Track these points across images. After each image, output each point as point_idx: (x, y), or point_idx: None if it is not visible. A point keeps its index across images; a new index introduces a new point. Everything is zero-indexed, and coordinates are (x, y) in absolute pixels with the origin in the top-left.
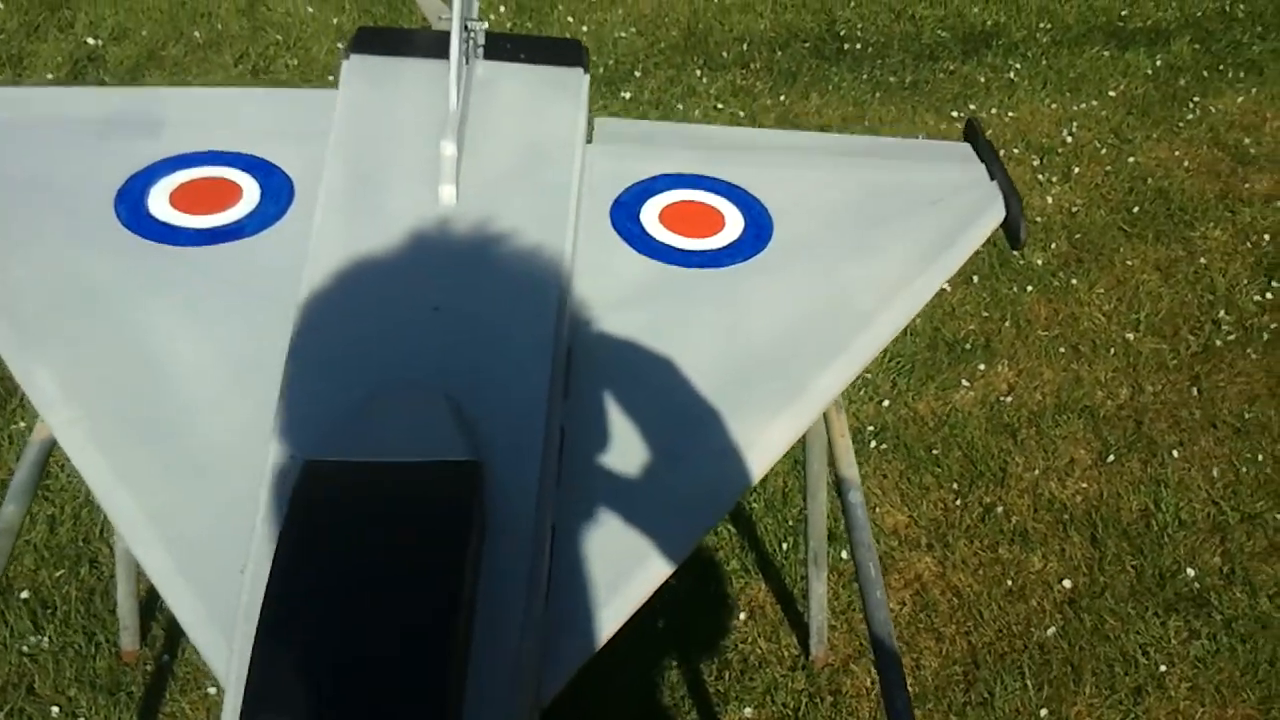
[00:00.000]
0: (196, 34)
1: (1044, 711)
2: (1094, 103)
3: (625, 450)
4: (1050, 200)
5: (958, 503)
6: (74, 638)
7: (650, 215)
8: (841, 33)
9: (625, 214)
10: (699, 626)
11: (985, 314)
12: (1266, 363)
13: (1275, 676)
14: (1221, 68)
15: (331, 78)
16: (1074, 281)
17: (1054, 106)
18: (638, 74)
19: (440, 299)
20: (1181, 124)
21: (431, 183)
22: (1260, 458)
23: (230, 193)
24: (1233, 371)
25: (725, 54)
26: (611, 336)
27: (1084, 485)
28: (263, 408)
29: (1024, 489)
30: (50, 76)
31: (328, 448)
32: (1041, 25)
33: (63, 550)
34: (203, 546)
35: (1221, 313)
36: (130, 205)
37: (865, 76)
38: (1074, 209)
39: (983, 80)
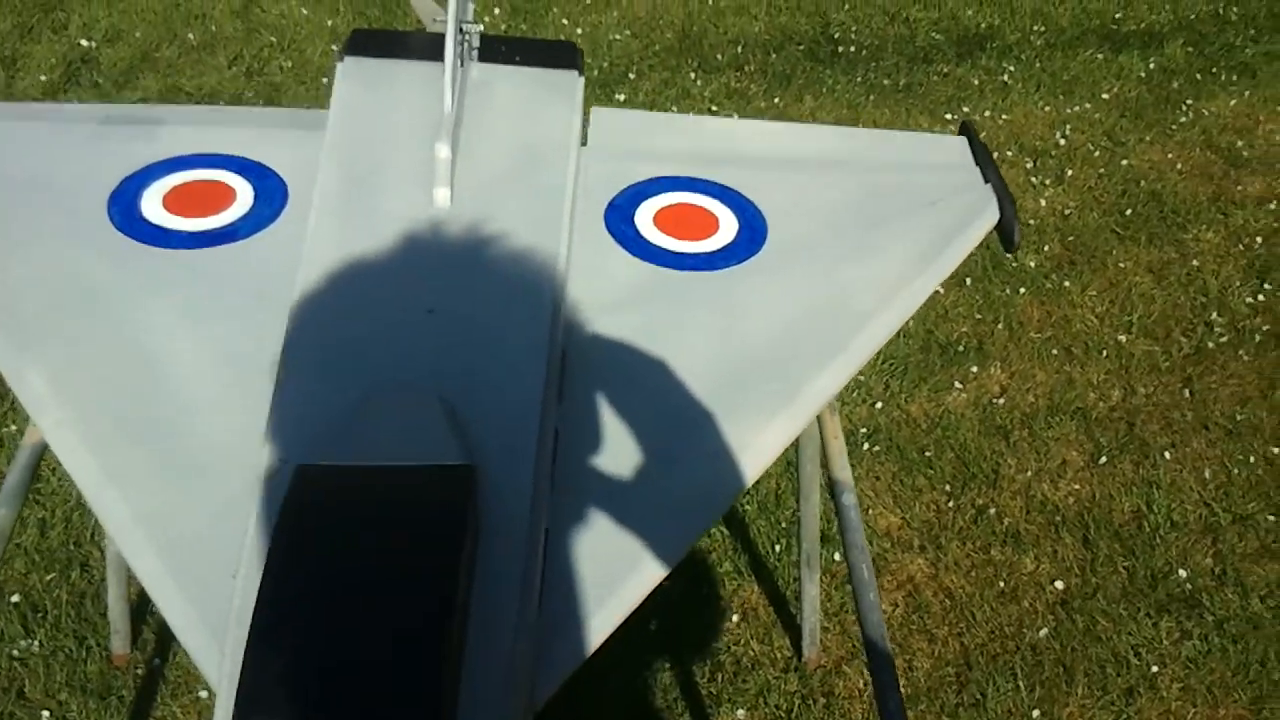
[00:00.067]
0: (190, 36)
1: (1036, 712)
2: (1087, 105)
3: (619, 453)
4: (1043, 202)
5: (950, 504)
6: (65, 642)
7: (644, 218)
8: (836, 35)
9: (620, 217)
10: (692, 628)
11: (978, 316)
12: (1258, 365)
13: (1266, 677)
14: (1214, 70)
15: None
16: (1067, 283)
17: (1047, 109)
18: (632, 76)
19: (434, 301)
20: (1174, 126)
21: (426, 185)
22: (1252, 459)
23: (224, 195)
24: (1225, 373)
25: (720, 56)
26: (606, 339)
27: (1076, 487)
28: (255, 411)
29: (1016, 490)
30: (43, 78)
31: (321, 451)
32: (1035, 28)
33: (53, 554)
34: (194, 550)
35: (1214, 315)
36: (123, 208)
37: (859, 79)
38: (1067, 211)
39: (976, 83)
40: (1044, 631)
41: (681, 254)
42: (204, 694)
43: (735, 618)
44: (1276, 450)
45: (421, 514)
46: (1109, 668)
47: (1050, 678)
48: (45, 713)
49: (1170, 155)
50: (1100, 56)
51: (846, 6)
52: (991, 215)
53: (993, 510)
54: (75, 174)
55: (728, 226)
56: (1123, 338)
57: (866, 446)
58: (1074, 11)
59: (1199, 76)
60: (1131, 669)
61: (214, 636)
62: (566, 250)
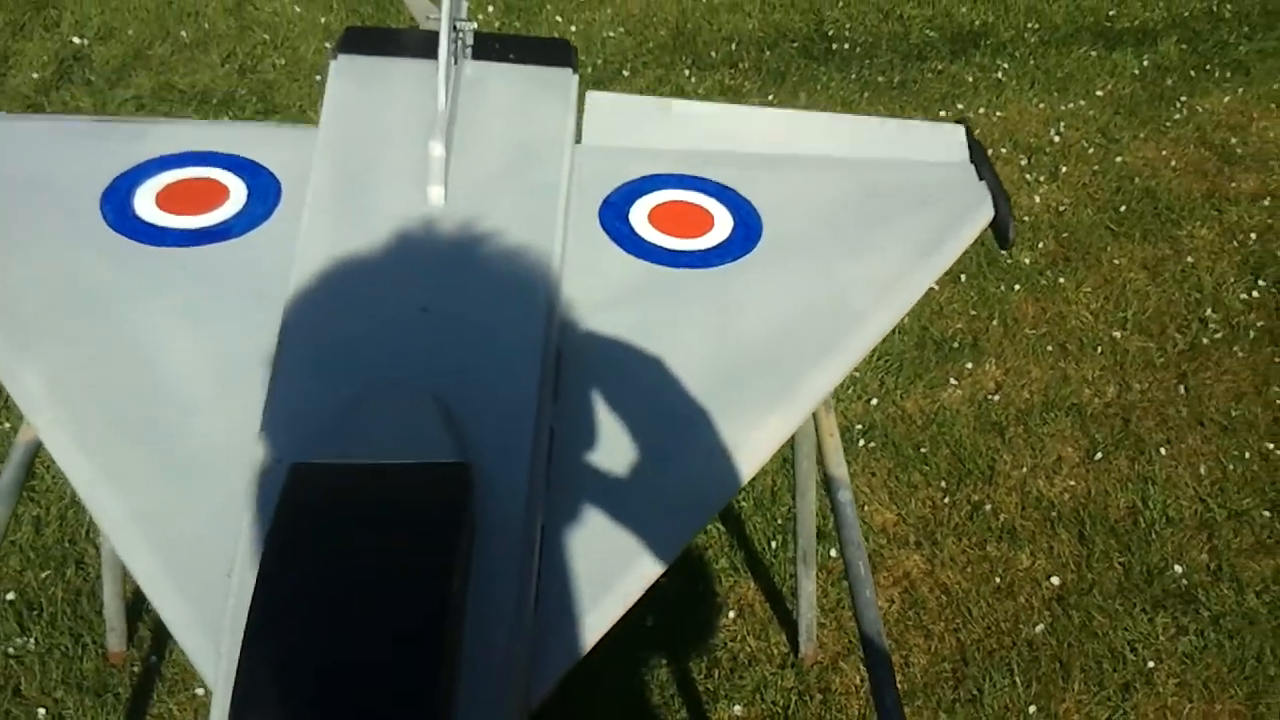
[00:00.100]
0: (183, 33)
1: (1032, 708)
2: (1081, 102)
3: (615, 451)
4: (1038, 199)
5: (946, 501)
6: (60, 639)
7: (639, 215)
8: (830, 32)
9: (614, 214)
10: (688, 625)
11: (973, 313)
12: (1253, 361)
13: (1262, 672)
14: (1208, 68)
15: (319, 77)
16: (1061, 280)
17: (1042, 106)
18: (626, 73)
19: (429, 300)
20: (1168, 123)
21: (420, 183)
22: (1247, 455)
23: (217, 193)
24: (1219, 370)
25: (714, 54)
26: (601, 337)
27: (1072, 483)
28: (250, 409)
29: (1012, 487)
30: (35, 76)
31: (315, 450)
32: (1029, 25)
33: (49, 551)
34: (189, 549)
35: (1208, 311)
36: (116, 206)
37: (853, 76)
38: (1061, 208)
39: (971, 80)
40: (1040, 627)
41: (676, 251)
42: (200, 691)
43: (732, 614)
44: (1271, 446)
45: (417, 512)
46: (1105, 663)
47: (1046, 673)
48: (41, 710)
49: (1164, 152)
50: (1094, 53)
51: (840, 3)
52: (986, 212)
53: (988, 506)
54: (67, 172)
55: (723, 224)
56: (1117, 334)
57: (862, 443)
58: (1068, 8)
59: (1193, 73)
60: (1128, 665)
61: (210, 635)
62: (561, 248)
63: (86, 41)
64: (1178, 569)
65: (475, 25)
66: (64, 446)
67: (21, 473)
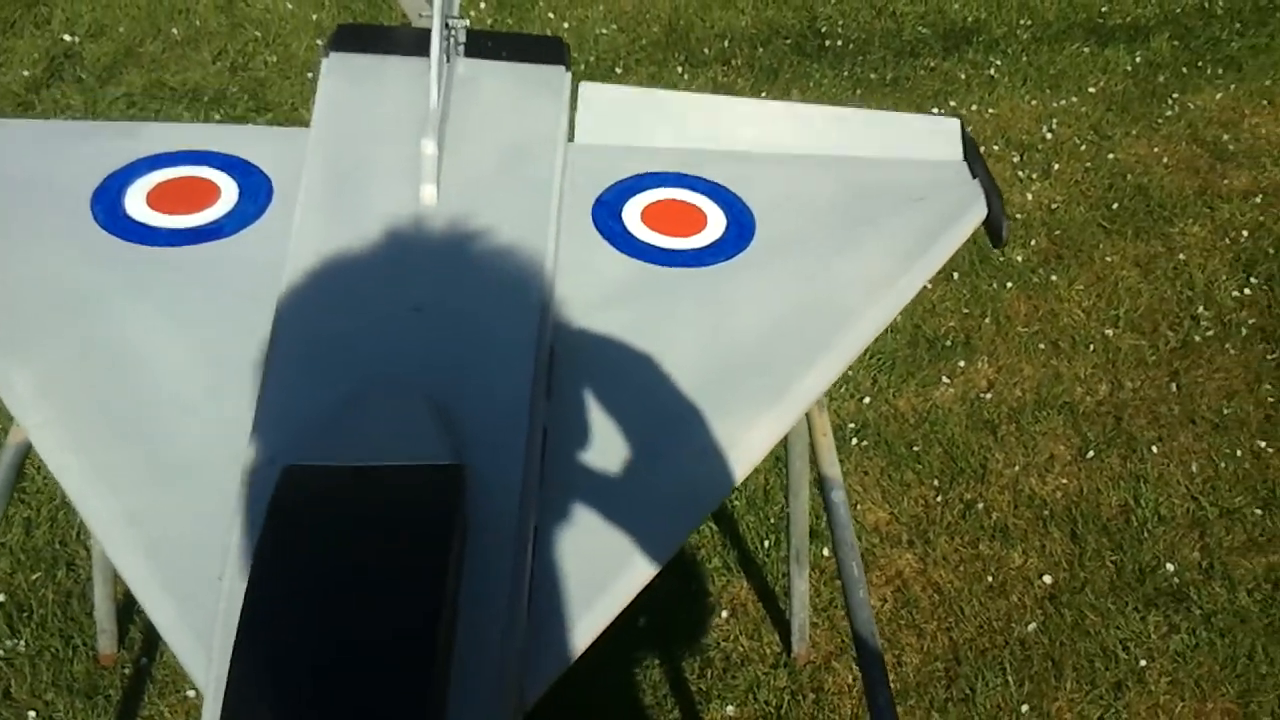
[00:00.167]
0: (174, 30)
1: (1025, 707)
2: (1074, 99)
3: (608, 450)
4: (1030, 197)
5: (938, 499)
6: (51, 641)
7: (632, 214)
8: (823, 29)
9: (607, 213)
10: (681, 625)
11: (965, 311)
12: (1245, 358)
13: (1254, 670)
14: (1200, 64)
15: (311, 75)
16: (1054, 278)
17: (1034, 103)
18: (619, 71)
19: (421, 299)
20: (1161, 120)
21: (412, 181)
22: (1239, 453)
23: (208, 192)
24: (1211, 367)
25: (707, 50)
26: (594, 336)
27: (1064, 481)
28: (242, 410)
29: (1004, 485)
30: (26, 73)
31: (307, 451)
32: (1022, 22)
33: (39, 553)
34: (180, 551)
35: (1200, 309)
36: (106, 206)
37: (846, 73)
38: (1054, 205)
39: (963, 77)
40: (1032, 626)
41: (669, 250)
42: (191, 693)
43: (724, 614)
44: (1263, 444)
45: (409, 515)
46: (1097, 662)
47: (1039, 672)
48: (32, 713)
49: (1156, 149)
50: (1086, 50)
51: (833, 0)
52: (979, 210)
53: (981, 505)
54: (57, 172)
55: (716, 223)
56: (1109, 332)
57: (854, 442)
58: (1060, 5)
59: (1185, 70)
60: (1120, 663)
61: (200, 637)
62: (554, 247)
63: (77, 39)
64: (1170, 567)
65: (468, 22)
66: (54, 448)
67: (12, 474)
